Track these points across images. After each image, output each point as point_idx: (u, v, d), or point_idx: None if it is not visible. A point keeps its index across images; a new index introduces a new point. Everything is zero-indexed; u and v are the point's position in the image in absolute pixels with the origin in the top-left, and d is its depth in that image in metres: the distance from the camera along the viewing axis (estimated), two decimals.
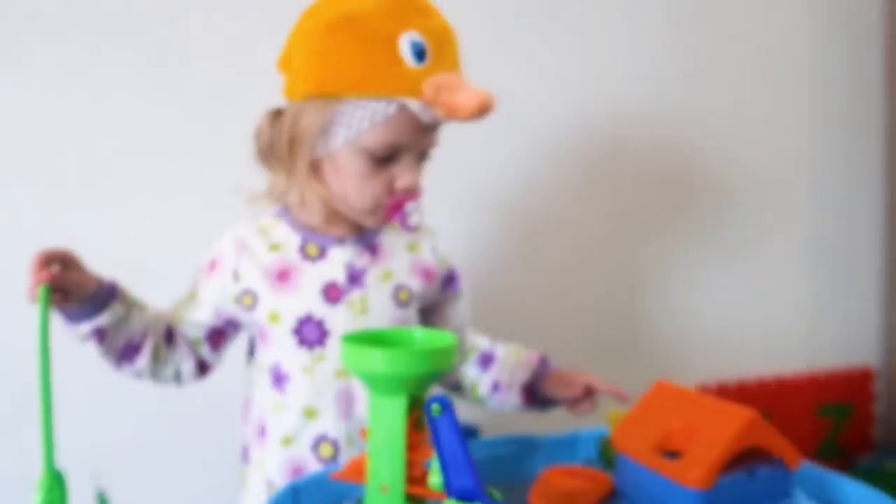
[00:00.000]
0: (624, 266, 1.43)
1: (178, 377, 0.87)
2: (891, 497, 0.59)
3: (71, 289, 0.72)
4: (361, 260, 0.84)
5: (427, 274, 0.88)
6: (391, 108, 0.75)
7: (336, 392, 0.82)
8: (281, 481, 0.82)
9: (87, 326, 0.76)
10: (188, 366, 0.86)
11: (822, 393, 1.56)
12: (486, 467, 0.71)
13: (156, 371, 0.84)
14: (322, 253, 0.84)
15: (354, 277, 0.83)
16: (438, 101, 0.73)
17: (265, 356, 0.85)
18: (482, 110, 0.72)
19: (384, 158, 0.78)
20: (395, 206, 0.80)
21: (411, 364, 0.56)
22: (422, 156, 0.82)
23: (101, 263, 0.80)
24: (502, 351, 0.95)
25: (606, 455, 0.72)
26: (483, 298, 1.33)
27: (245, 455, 0.89)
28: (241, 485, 0.89)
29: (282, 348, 0.83)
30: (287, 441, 0.83)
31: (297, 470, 0.83)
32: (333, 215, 0.84)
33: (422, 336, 0.63)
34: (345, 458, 0.82)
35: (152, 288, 0.89)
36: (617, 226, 1.42)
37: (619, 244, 1.43)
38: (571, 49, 1.35)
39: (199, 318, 0.86)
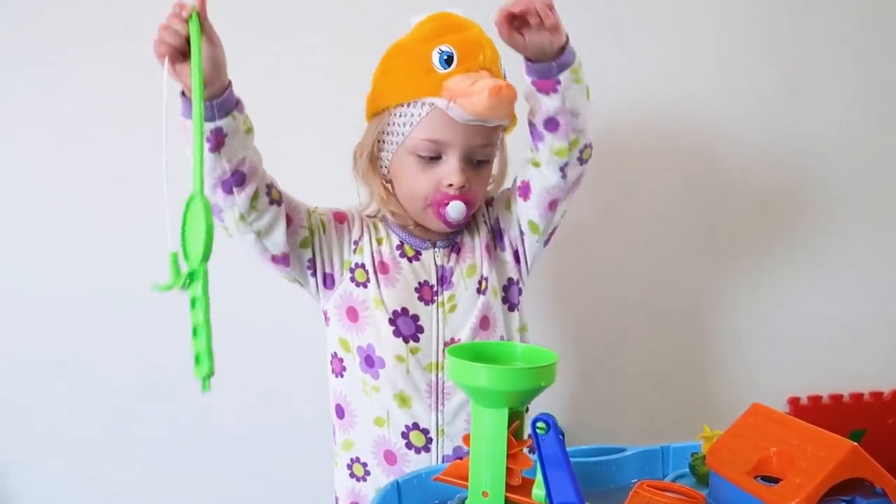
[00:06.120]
0: (715, 276, 1.41)
1: (269, 232, 0.84)
2: None
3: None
4: (450, 261, 0.91)
5: (487, 247, 0.93)
6: (424, 110, 0.84)
7: (427, 384, 0.87)
8: (372, 460, 0.88)
9: (209, 126, 0.75)
10: (279, 230, 0.84)
11: None
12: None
13: (248, 217, 0.81)
14: (417, 255, 0.91)
15: (444, 279, 0.90)
16: (455, 94, 0.80)
17: (356, 337, 0.88)
18: (492, 96, 0.78)
19: (430, 158, 0.85)
20: (438, 203, 0.86)
21: (514, 380, 0.59)
22: (471, 158, 0.86)
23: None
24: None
25: (699, 472, 0.73)
26: (569, 302, 1.34)
27: (333, 436, 0.94)
28: (335, 465, 0.94)
29: (377, 333, 0.87)
30: (380, 422, 0.88)
31: (388, 454, 0.88)
32: (415, 226, 0.91)
33: (522, 350, 0.66)
34: (435, 448, 0.87)
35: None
36: (709, 235, 1.40)
37: (711, 254, 1.40)
38: (664, 60, 1.34)
39: (317, 211, 0.90)
